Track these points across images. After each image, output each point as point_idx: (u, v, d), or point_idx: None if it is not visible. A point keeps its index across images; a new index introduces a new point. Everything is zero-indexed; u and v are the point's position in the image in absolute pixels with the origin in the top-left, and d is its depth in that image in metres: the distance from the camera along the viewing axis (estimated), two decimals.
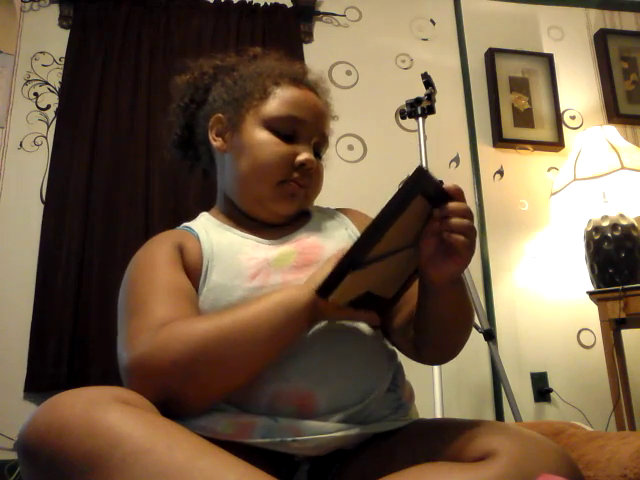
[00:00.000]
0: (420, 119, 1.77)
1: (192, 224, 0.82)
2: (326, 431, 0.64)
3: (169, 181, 2.01)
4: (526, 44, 2.54)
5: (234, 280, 0.72)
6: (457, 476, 0.53)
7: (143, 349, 0.60)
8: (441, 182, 0.61)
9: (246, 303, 0.65)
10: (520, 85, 2.47)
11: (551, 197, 2.26)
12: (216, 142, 0.84)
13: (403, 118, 1.82)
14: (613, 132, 2.18)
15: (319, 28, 2.41)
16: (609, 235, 2.01)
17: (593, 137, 2.16)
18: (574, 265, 2.27)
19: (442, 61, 2.46)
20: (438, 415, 1.52)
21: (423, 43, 2.49)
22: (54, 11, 2.21)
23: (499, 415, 2.08)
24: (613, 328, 1.90)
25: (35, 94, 2.12)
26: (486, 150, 2.40)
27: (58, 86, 2.13)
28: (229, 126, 0.83)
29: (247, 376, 0.63)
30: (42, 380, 1.79)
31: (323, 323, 0.70)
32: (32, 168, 2.04)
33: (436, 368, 1.58)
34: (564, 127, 2.47)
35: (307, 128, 0.80)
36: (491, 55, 2.47)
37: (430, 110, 1.77)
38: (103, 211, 1.97)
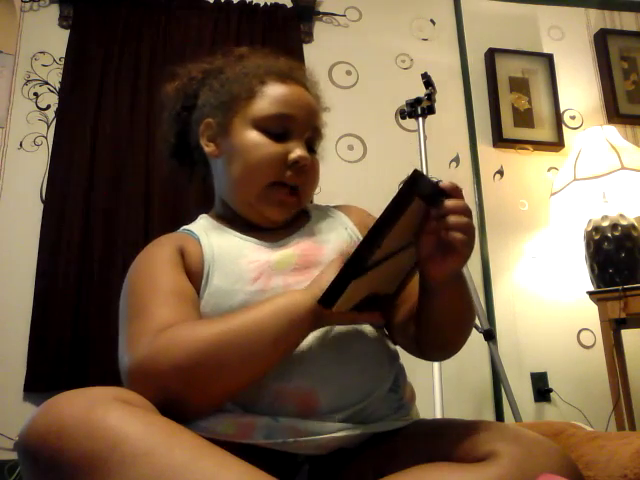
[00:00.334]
0: (420, 119, 1.77)
1: (192, 227, 0.82)
2: (327, 431, 0.63)
3: (169, 181, 2.01)
4: (526, 44, 2.54)
5: (235, 284, 0.71)
6: (458, 476, 0.53)
7: (144, 352, 0.60)
8: (438, 182, 0.61)
9: (248, 307, 0.64)
10: (520, 85, 2.47)
11: (551, 197, 2.26)
12: (208, 148, 0.83)
13: (403, 118, 1.83)
14: (613, 132, 2.18)
15: (319, 28, 2.41)
16: (609, 235, 2.01)
17: (593, 137, 2.16)
18: (574, 265, 2.27)
19: (442, 61, 2.46)
20: (438, 415, 1.52)
21: (423, 43, 2.49)
22: (54, 11, 2.20)
23: (499, 415, 2.08)
24: (613, 328, 1.90)
25: (35, 94, 2.12)
26: (486, 150, 2.40)
27: (58, 86, 2.13)
28: (219, 131, 0.82)
29: (248, 381, 0.62)
30: (42, 380, 1.79)
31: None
32: (32, 168, 2.04)
33: (436, 369, 1.58)
34: (564, 127, 2.47)
35: (298, 124, 0.79)
36: (491, 55, 2.47)
37: (430, 110, 1.77)
38: (103, 211, 1.97)
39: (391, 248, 0.60)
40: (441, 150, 2.29)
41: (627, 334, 2.03)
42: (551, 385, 2.15)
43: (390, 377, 0.72)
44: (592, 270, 2.05)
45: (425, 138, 1.77)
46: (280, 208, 0.79)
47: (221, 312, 0.68)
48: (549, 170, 2.41)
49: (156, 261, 0.73)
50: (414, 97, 1.78)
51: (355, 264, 0.58)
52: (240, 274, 0.72)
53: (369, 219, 0.84)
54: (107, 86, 2.10)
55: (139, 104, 2.09)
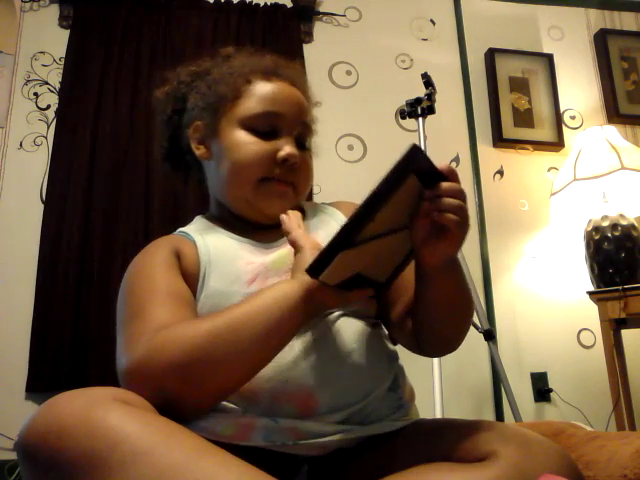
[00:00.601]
0: (420, 119, 1.77)
1: (188, 229, 0.82)
2: (327, 433, 0.64)
3: (169, 181, 2.00)
4: (526, 44, 2.54)
5: (232, 286, 0.72)
6: (457, 476, 0.53)
7: (140, 353, 0.60)
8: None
9: (240, 302, 0.64)
10: (520, 85, 2.47)
11: (551, 197, 2.26)
12: (198, 150, 0.83)
13: (403, 118, 1.83)
14: (613, 132, 2.18)
15: (319, 28, 2.41)
16: (609, 235, 2.01)
17: (593, 137, 2.16)
18: (574, 265, 2.27)
19: (442, 61, 2.46)
20: (438, 415, 1.52)
21: (423, 43, 2.49)
22: (54, 11, 2.20)
23: (499, 415, 2.08)
24: (613, 328, 1.90)
25: (35, 94, 2.12)
26: (486, 150, 2.40)
27: (58, 86, 2.13)
28: (208, 133, 0.82)
29: (245, 376, 0.62)
30: (43, 380, 1.79)
31: (323, 323, 0.70)
32: (32, 168, 2.04)
33: (436, 368, 1.58)
34: (564, 127, 2.47)
35: (286, 121, 0.79)
36: (491, 55, 2.47)
37: (430, 110, 1.77)
38: (103, 211, 1.97)
39: (384, 227, 0.59)
40: (441, 150, 2.28)
41: (627, 334, 2.03)
42: (551, 385, 2.15)
43: (389, 377, 0.72)
44: (592, 270, 2.05)
45: (425, 138, 1.77)
46: (279, 200, 0.78)
47: None
48: (549, 170, 2.41)
49: (153, 263, 0.72)
50: (414, 97, 1.78)
51: (346, 232, 0.56)
52: (236, 276, 0.72)
53: None
54: (107, 86, 2.10)
55: (139, 104, 2.09)
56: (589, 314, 2.10)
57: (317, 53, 2.34)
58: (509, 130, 2.39)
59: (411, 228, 0.63)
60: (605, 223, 2.03)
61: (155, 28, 2.20)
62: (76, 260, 1.89)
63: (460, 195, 0.61)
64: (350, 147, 2.28)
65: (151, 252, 0.76)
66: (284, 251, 0.76)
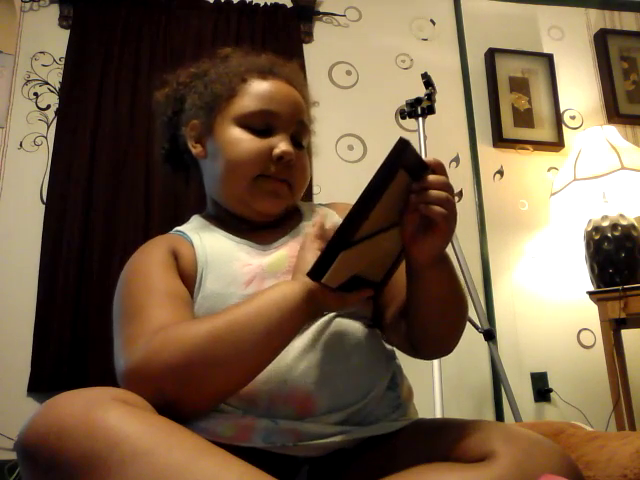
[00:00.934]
0: (420, 119, 1.77)
1: (185, 229, 0.81)
2: (326, 434, 0.64)
3: (169, 181, 2.01)
4: (526, 44, 2.54)
5: (229, 287, 0.71)
6: (457, 476, 0.53)
7: (139, 355, 0.60)
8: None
9: (239, 303, 0.64)
10: (520, 85, 2.47)
11: (551, 197, 2.26)
12: (195, 149, 0.84)
13: (403, 118, 1.83)
14: (613, 132, 2.18)
15: (319, 28, 2.41)
16: (609, 235, 2.01)
17: (593, 137, 2.16)
18: (574, 265, 2.27)
19: (442, 61, 2.46)
20: (438, 415, 1.52)
21: (423, 43, 2.49)
22: (54, 11, 2.21)
23: (499, 415, 2.08)
24: (613, 328, 1.90)
25: (35, 94, 2.12)
26: (486, 150, 2.40)
27: (58, 86, 2.13)
28: (204, 131, 0.82)
29: (245, 378, 0.62)
30: (44, 380, 1.79)
31: (320, 324, 0.70)
32: (32, 168, 2.04)
33: (436, 368, 1.58)
34: (564, 127, 2.47)
35: (282, 119, 0.79)
36: (491, 55, 2.47)
37: (430, 110, 1.77)
38: (103, 211, 1.97)
39: (378, 223, 0.60)
40: (441, 150, 2.28)
41: (627, 334, 2.03)
42: (551, 385, 2.15)
43: (387, 376, 0.72)
44: (592, 270, 2.05)
45: (425, 138, 1.77)
46: (273, 199, 0.78)
47: None
48: (549, 170, 2.41)
49: (150, 263, 0.72)
50: (414, 97, 1.78)
51: (345, 231, 0.57)
52: (233, 277, 0.72)
53: None
54: (107, 86, 2.10)
55: (139, 104, 2.09)
56: (589, 314, 2.10)
57: (317, 53, 2.34)
58: (509, 130, 2.39)
59: (400, 224, 0.63)
60: (605, 223, 2.03)
61: (155, 28, 2.20)
62: (76, 260, 1.89)
63: (447, 187, 0.61)
64: (350, 147, 2.28)
65: (148, 251, 0.76)
66: (281, 253, 0.76)
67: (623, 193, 2.11)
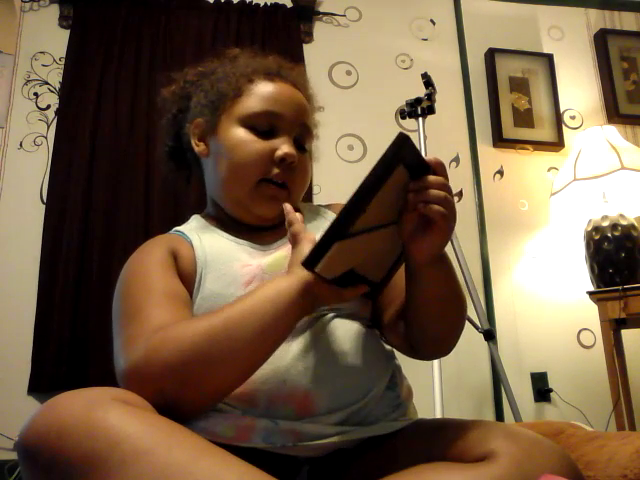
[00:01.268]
0: (420, 119, 1.77)
1: (184, 229, 0.81)
2: (326, 435, 0.64)
3: (169, 181, 2.00)
4: (526, 44, 2.54)
5: (228, 288, 0.71)
6: (457, 476, 0.53)
7: (138, 354, 0.60)
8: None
9: (235, 300, 0.63)
10: (520, 85, 2.47)
11: (551, 197, 2.26)
12: (198, 147, 0.84)
13: (403, 118, 1.83)
14: (613, 132, 2.18)
15: (319, 28, 2.41)
16: (609, 235, 2.01)
17: (593, 137, 2.16)
18: (574, 265, 2.27)
19: (442, 61, 2.46)
20: (438, 415, 1.52)
21: (423, 43, 2.49)
22: (54, 11, 2.20)
23: (499, 415, 2.08)
24: (613, 328, 1.90)
25: (35, 94, 2.12)
26: (486, 150, 2.40)
27: (58, 86, 2.13)
28: (208, 129, 0.82)
29: (243, 375, 0.62)
30: (44, 380, 1.79)
31: (319, 324, 0.70)
32: (32, 168, 2.04)
33: (436, 368, 1.58)
34: (564, 127, 2.47)
35: (285, 121, 0.79)
36: (491, 55, 2.47)
37: (430, 110, 1.77)
38: (103, 211, 1.97)
39: (376, 219, 0.60)
40: (441, 150, 2.28)
41: (627, 334, 2.03)
42: (551, 385, 2.15)
43: (386, 375, 0.72)
44: (592, 270, 2.05)
45: (425, 138, 1.77)
46: (270, 203, 0.78)
47: None
48: (549, 170, 2.41)
49: (149, 263, 0.72)
50: (414, 97, 1.78)
51: (340, 222, 0.57)
52: (233, 278, 0.72)
53: None
54: (107, 86, 2.10)
55: (139, 104, 2.09)
56: (589, 314, 2.10)
57: (317, 53, 2.34)
58: (509, 130, 2.39)
59: (400, 223, 0.63)
60: (605, 223, 2.03)
61: (155, 28, 2.20)
62: (76, 260, 1.89)
63: (445, 188, 0.61)
64: (350, 147, 2.28)
65: (147, 251, 0.76)
66: (281, 254, 0.76)
67: (623, 193, 2.11)
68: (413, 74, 2.28)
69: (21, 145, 2.07)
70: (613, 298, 1.88)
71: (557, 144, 2.42)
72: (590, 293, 2.00)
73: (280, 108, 0.79)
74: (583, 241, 2.11)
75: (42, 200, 2.01)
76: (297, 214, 0.70)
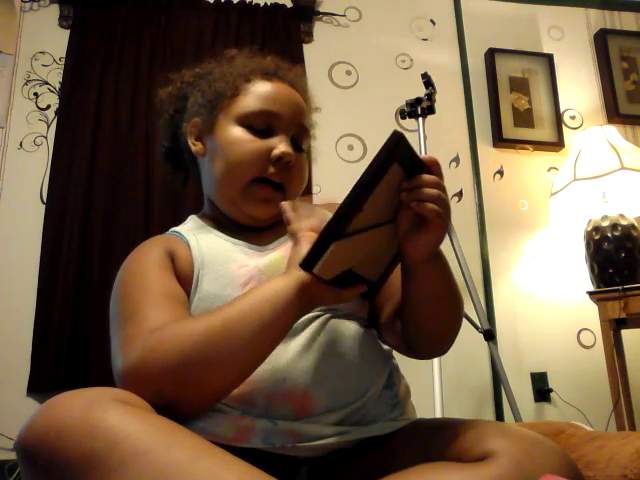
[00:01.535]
0: (420, 119, 1.77)
1: (181, 229, 0.81)
2: (325, 435, 0.64)
3: (169, 181, 2.00)
4: (526, 44, 2.54)
5: (225, 289, 0.71)
6: (456, 476, 0.53)
7: (136, 355, 0.59)
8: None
9: (233, 300, 0.63)
10: (520, 85, 2.47)
11: (551, 197, 2.26)
12: (195, 146, 0.84)
13: (403, 118, 1.83)
14: (613, 132, 2.18)
15: (319, 28, 2.41)
16: (609, 235, 2.01)
17: (593, 137, 2.16)
18: (574, 265, 2.27)
19: (442, 61, 2.46)
20: (438, 415, 1.52)
21: (423, 43, 2.49)
22: (54, 11, 2.21)
23: (499, 415, 2.08)
24: (613, 328, 1.90)
25: (35, 94, 2.12)
26: (486, 150, 2.40)
27: (58, 86, 2.13)
28: (205, 129, 0.82)
29: (242, 375, 0.61)
30: (44, 380, 1.79)
31: (317, 324, 0.70)
32: (32, 168, 2.04)
33: (436, 368, 1.58)
34: (564, 127, 2.47)
35: (282, 121, 0.79)
36: (491, 55, 2.47)
37: (430, 110, 1.77)
38: (103, 211, 1.97)
39: (372, 218, 0.60)
40: (441, 150, 2.28)
41: (627, 334, 2.03)
42: (551, 385, 2.15)
43: (384, 374, 0.72)
44: (592, 270, 2.05)
45: (425, 138, 1.77)
46: (264, 205, 0.79)
47: None
48: (549, 170, 2.41)
49: (146, 263, 0.72)
50: (414, 97, 1.78)
51: (337, 221, 0.57)
52: (230, 279, 0.72)
53: None
54: (107, 86, 2.10)
55: (139, 104, 2.09)
56: (589, 314, 2.10)
57: (317, 53, 2.34)
58: (509, 130, 2.39)
59: (395, 221, 0.63)
60: (605, 223, 2.03)
61: (155, 28, 2.20)
62: (76, 260, 1.89)
63: (439, 186, 0.61)
64: (350, 147, 2.28)
65: (144, 251, 0.76)
66: (278, 254, 0.76)
67: (623, 193, 2.11)
68: (413, 74, 2.28)
69: (21, 145, 2.07)
70: (613, 298, 1.89)
71: (557, 144, 2.42)
72: (590, 293, 2.00)
73: (277, 107, 0.79)
74: (583, 241, 2.11)
75: (42, 200, 2.01)
76: (294, 213, 0.70)
